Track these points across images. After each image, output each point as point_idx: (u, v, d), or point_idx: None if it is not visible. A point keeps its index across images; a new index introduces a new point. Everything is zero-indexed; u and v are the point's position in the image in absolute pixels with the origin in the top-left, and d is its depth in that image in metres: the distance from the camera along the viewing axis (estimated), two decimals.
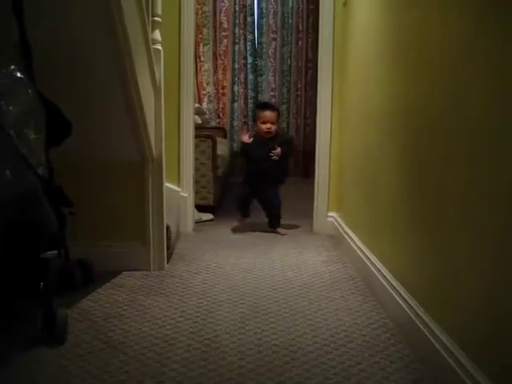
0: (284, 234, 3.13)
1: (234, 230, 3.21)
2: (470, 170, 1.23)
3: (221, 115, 5.89)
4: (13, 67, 1.38)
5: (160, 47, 2.31)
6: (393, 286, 1.81)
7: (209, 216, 3.58)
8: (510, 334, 1.05)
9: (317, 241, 3.01)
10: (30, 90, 1.42)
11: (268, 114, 3.18)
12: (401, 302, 1.69)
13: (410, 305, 1.61)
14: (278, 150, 3.15)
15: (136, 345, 1.57)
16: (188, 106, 3.17)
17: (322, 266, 2.48)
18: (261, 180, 3.20)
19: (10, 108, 1.35)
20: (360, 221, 2.52)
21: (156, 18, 2.28)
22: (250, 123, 5.62)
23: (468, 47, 1.26)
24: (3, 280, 1.49)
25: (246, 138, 3.24)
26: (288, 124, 5.93)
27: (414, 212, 1.66)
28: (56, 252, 1.51)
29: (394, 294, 1.77)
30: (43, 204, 1.42)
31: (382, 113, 2.09)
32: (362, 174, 2.50)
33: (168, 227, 2.45)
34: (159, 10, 2.31)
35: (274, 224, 3.21)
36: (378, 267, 2.02)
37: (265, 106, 3.38)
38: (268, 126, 3.15)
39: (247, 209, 3.31)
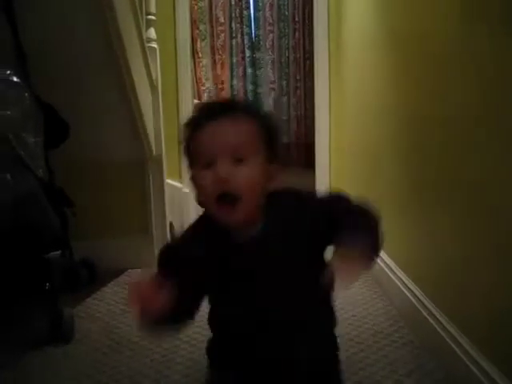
0: None
1: None
2: (467, 155, 1.24)
3: None
4: (8, 72, 1.40)
5: (155, 45, 2.32)
6: (395, 273, 1.82)
7: None
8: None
9: None
10: (26, 94, 1.44)
11: (219, 129, 0.85)
12: (403, 288, 1.70)
13: (412, 291, 1.62)
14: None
15: (142, 341, 1.59)
16: (187, 103, 3.18)
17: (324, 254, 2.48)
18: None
19: (8, 112, 1.37)
20: None
21: (150, 17, 2.29)
22: None
23: (464, 39, 1.26)
24: (8, 282, 1.51)
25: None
26: (289, 116, 5.92)
27: (414, 199, 1.67)
28: (60, 252, 1.54)
29: (397, 281, 1.78)
30: (44, 206, 1.44)
31: (380, 101, 2.09)
32: (361, 162, 2.50)
33: (171, 224, 2.47)
34: (153, 9, 2.32)
35: None
36: (380, 255, 2.02)
37: (210, 111, 0.89)
38: (224, 172, 0.83)
39: None
